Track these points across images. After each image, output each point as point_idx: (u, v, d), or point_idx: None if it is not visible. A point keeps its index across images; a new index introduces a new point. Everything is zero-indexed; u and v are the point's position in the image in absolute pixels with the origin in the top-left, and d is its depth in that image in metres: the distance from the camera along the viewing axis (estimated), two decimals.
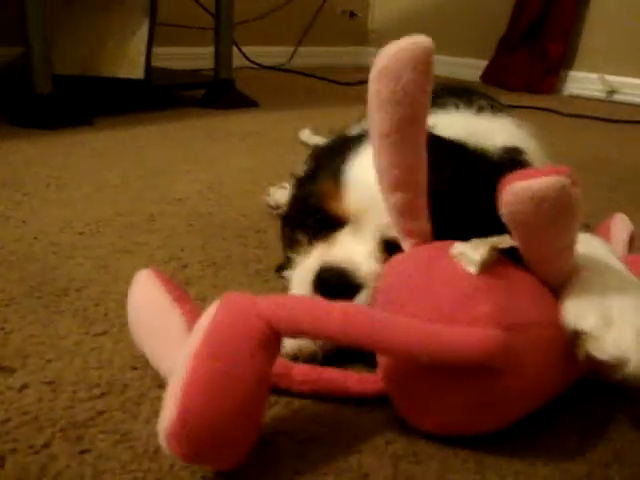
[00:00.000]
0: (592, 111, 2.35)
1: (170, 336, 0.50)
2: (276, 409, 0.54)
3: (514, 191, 0.44)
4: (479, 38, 3.19)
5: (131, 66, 1.87)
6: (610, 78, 2.81)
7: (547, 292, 0.52)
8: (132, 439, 0.49)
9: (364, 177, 0.59)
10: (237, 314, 0.46)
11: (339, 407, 0.54)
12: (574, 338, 0.49)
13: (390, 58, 0.48)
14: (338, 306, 0.46)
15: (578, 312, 0.49)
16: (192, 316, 0.51)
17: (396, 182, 0.52)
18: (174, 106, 1.96)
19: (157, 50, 1.97)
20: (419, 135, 0.51)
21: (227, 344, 0.44)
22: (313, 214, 0.65)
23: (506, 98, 2.53)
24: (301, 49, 3.19)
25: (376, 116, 0.50)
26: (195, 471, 0.46)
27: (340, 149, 0.66)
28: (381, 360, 0.53)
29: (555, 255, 0.51)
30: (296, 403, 0.54)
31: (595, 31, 2.88)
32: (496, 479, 0.47)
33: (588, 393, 0.59)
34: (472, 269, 0.48)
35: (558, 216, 0.45)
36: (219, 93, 2.02)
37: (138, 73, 1.86)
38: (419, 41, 0.48)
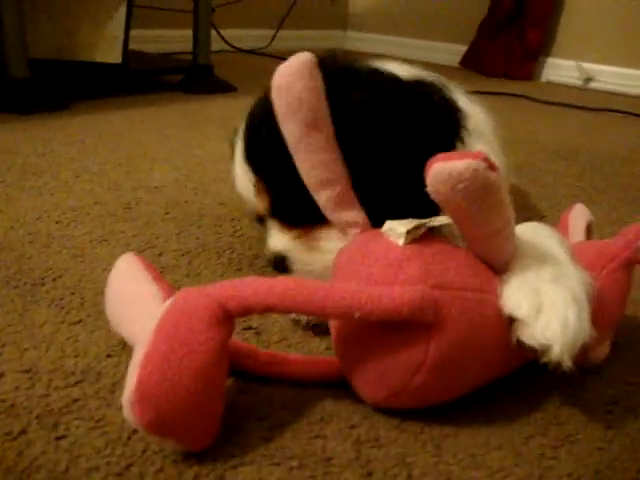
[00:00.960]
0: (568, 98, 2.38)
1: (146, 307, 0.54)
2: (245, 396, 0.56)
3: (434, 171, 0.48)
4: (459, 23, 3.20)
5: (108, 50, 1.86)
6: (587, 66, 2.84)
7: (480, 264, 0.55)
8: (106, 425, 0.51)
9: (241, 183, 0.73)
10: (190, 297, 0.50)
11: (305, 392, 0.57)
12: (509, 322, 0.53)
13: (282, 77, 0.56)
14: (281, 279, 0.51)
15: (514, 300, 0.53)
16: (168, 293, 0.55)
17: (318, 181, 0.58)
18: (152, 91, 1.96)
19: (133, 32, 1.96)
20: (327, 134, 0.56)
21: (181, 322, 0.48)
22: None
23: (484, 84, 2.56)
24: (281, 32, 3.18)
25: (285, 130, 0.57)
26: (166, 455, 0.48)
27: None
28: (332, 332, 0.57)
29: (487, 236, 0.54)
30: (264, 389, 0.57)
31: (573, 18, 2.91)
32: (453, 462, 0.50)
33: (540, 377, 0.62)
34: (400, 241, 0.53)
35: (476, 197, 0.49)
36: (197, 78, 2.02)
37: (115, 57, 1.85)
38: (301, 57, 0.55)
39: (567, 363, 0.50)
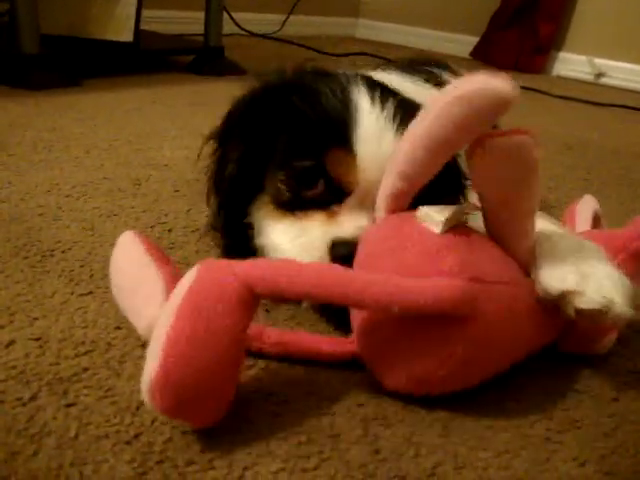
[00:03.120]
0: (578, 93, 2.37)
1: (148, 294, 0.52)
2: (253, 371, 0.56)
3: (485, 145, 0.48)
4: (471, 14, 3.19)
5: (120, 28, 1.86)
6: (598, 61, 2.82)
7: (507, 256, 0.56)
8: (115, 395, 0.51)
9: (376, 148, 0.61)
10: (215, 276, 0.48)
11: (314, 371, 0.57)
12: (559, 300, 0.54)
13: (474, 90, 0.48)
14: (311, 264, 0.50)
15: (556, 276, 0.54)
16: (171, 276, 0.52)
17: (410, 174, 0.54)
18: (162, 71, 1.95)
19: (147, 13, 1.95)
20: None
21: (206, 303, 0.46)
22: (312, 180, 0.64)
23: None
24: (293, 18, 3.16)
25: (436, 123, 0.50)
26: (175, 426, 0.48)
27: (336, 91, 0.65)
28: (354, 319, 0.56)
29: (517, 216, 0.54)
30: (273, 366, 0.57)
31: (586, 13, 2.89)
32: (459, 442, 0.50)
33: (549, 364, 0.62)
34: (436, 228, 0.52)
35: (523, 170, 0.49)
36: (208, 60, 2.01)
37: (127, 36, 1.84)
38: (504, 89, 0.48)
39: (630, 312, 0.52)
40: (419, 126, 0.52)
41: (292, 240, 0.64)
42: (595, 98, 2.29)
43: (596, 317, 0.52)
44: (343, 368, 0.57)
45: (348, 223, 0.62)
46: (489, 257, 0.53)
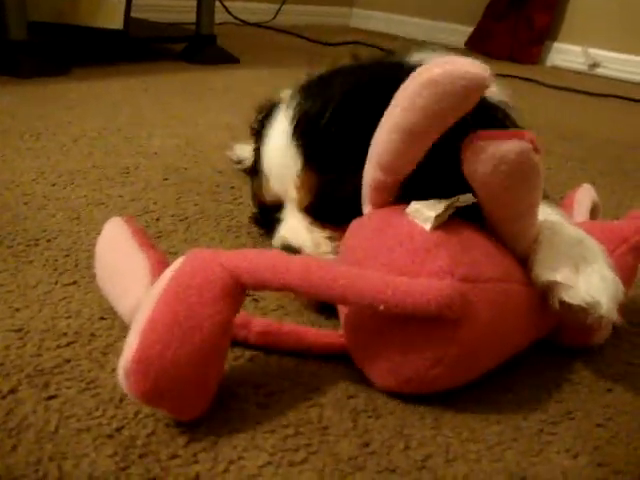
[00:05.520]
0: (573, 83, 2.35)
1: (132, 276, 0.51)
2: (241, 362, 0.55)
3: (475, 150, 0.46)
4: (465, 4, 3.16)
5: (110, 16, 1.83)
6: (593, 51, 2.81)
7: (503, 249, 0.54)
8: (98, 387, 0.50)
9: (275, 161, 0.66)
10: (201, 264, 0.47)
11: (303, 362, 0.56)
12: (547, 290, 0.53)
13: (443, 74, 0.46)
14: (299, 258, 0.48)
15: (549, 266, 0.53)
16: (156, 262, 0.52)
17: (387, 165, 0.52)
18: (153, 59, 1.93)
19: (138, 1, 1.92)
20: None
21: (190, 290, 0.45)
22: (260, 206, 0.73)
23: (489, 66, 2.52)
24: (286, 7, 3.13)
25: (405, 111, 0.48)
26: (159, 419, 0.47)
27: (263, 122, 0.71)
28: (342, 314, 0.54)
29: (516, 216, 0.52)
30: (261, 357, 0.56)
31: (581, 3, 2.87)
32: (451, 435, 0.49)
33: (543, 356, 0.61)
34: (427, 225, 0.50)
35: (517, 179, 0.47)
36: (200, 48, 1.99)
37: (117, 23, 1.81)
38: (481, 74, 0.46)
39: (615, 316, 0.51)
40: (390, 115, 0.50)
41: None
42: (590, 88, 2.27)
43: (579, 314, 0.51)
44: (333, 359, 0.56)
45: (282, 230, 0.66)
46: (483, 253, 0.51)
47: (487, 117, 0.58)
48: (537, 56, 2.94)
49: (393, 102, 0.49)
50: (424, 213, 0.50)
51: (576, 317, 0.51)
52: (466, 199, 0.51)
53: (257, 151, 0.72)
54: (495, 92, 0.70)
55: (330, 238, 0.63)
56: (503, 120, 0.62)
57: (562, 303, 0.51)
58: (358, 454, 0.46)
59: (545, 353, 0.61)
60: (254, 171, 0.72)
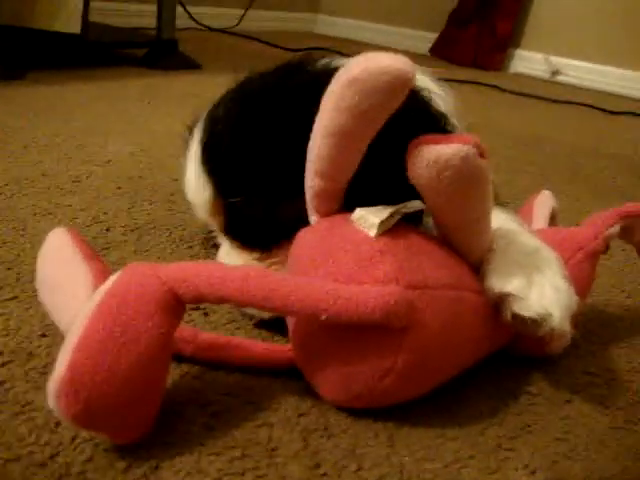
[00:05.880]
0: (535, 90, 2.38)
1: (73, 289, 0.48)
2: (187, 379, 0.52)
3: (418, 155, 0.44)
4: (430, 11, 3.19)
5: (68, 20, 1.78)
6: (554, 59, 2.85)
7: (456, 257, 0.52)
8: (33, 410, 0.47)
9: (191, 187, 0.64)
10: (138, 278, 0.44)
11: (252, 378, 0.53)
12: (499, 302, 0.51)
13: (364, 72, 0.44)
14: (239, 269, 0.45)
15: (501, 276, 0.51)
16: (100, 273, 0.48)
17: (324, 171, 0.50)
18: (112, 64, 1.89)
19: (99, 5, 1.89)
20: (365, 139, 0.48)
21: (126, 305, 0.42)
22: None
23: (453, 73, 2.54)
24: (251, 12, 3.11)
25: (333, 114, 0.47)
26: (98, 443, 0.44)
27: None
28: (289, 326, 0.52)
29: (465, 223, 0.51)
30: (208, 374, 0.53)
31: (543, 11, 2.91)
32: (406, 453, 0.47)
33: (500, 368, 0.59)
34: (371, 232, 0.48)
35: (462, 184, 0.45)
36: (161, 53, 1.95)
37: (74, 27, 1.77)
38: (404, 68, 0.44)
39: (567, 328, 0.49)
40: (319, 120, 0.48)
41: None
42: (551, 95, 2.30)
43: (530, 326, 0.49)
44: (284, 374, 0.54)
45: (220, 253, 0.65)
46: (432, 260, 0.49)
47: (428, 122, 0.56)
48: (500, 63, 2.98)
49: (321, 106, 0.48)
50: (368, 220, 0.49)
51: (528, 329, 0.50)
52: (414, 205, 0.50)
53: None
54: (439, 95, 0.69)
55: (259, 259, 0.62)
56: (444, 125, 0.60)
57: (514, 315, 0.50)
58: (308, 476, 0.44)
59: (503, 363, 0.60)
60: None
